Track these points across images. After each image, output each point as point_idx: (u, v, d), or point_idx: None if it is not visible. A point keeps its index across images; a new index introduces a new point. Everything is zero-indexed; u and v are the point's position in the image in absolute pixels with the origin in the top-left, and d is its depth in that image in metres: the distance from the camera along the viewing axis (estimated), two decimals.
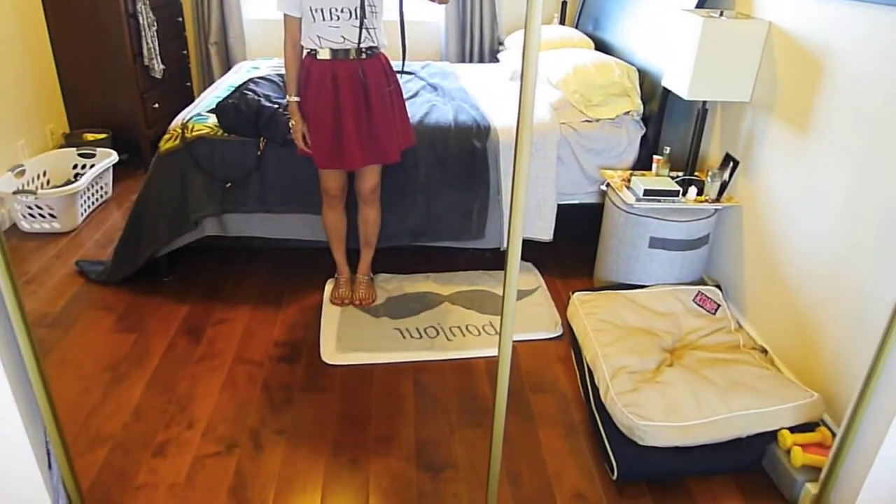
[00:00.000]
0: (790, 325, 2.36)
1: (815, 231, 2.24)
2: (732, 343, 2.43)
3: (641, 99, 3.08)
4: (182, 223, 2.79)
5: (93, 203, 3.64)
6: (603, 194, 3.01)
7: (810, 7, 2.26)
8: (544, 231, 3.04)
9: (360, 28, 2.31)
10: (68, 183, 3.61)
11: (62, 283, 2.94)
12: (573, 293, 2.71)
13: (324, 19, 2.31)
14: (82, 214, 3.50)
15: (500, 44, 4.69)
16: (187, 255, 3.10)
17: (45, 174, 3.63)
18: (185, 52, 4.73)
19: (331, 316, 2.74)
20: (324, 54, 2.36)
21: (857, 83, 2.04)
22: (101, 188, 3.72)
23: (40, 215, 3.34)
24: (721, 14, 2.54)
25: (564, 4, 4.57)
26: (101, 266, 2.99)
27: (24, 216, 3.34)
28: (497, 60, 4.53)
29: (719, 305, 2.62)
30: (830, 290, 2.15)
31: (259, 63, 3.98)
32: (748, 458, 2.03)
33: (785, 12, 2.41)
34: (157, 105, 4.20)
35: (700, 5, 2.79)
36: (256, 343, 2.59)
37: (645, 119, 3.10)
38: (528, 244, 3.06)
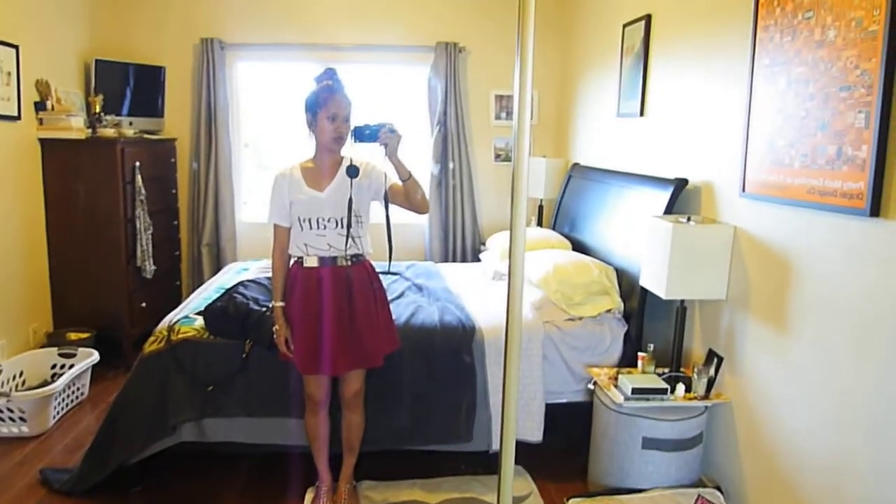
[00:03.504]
0: None
1: (809, 426, 2.21)
2: None
3: (621, 297, 3.17)
4: (159, 428, 2.69)
5: (67, 405, 3.52)
6: (591, 393, 2.98)
7: (770, 213, 2.42)
8: (533, 432, 2.95)
9: (347, 237, 2.43)
10: (44, 384, 3.52)
11: (22, 494, 2.74)
12: (568, 499, 2.57)
13: (311, 228, 2.43)
14: (54, 417, 3.37)
15: (482, 244, 4.91)
16: (160, 462, 2.93)
17: (21, 374, 3.55)
18: (177, 252, 4.89)
19: None
20: (311, 261, 2.45)
21: (826, 283, 2.13)
22: (78, 389, 3.63)
23: (10, 419, 3.20)
24: (689, 219, 2.71)
25: (541, 208, 4.87)
26: (66, 474, 2.81)
27: None
28: (479, 259, 4.71)
29: None
30: (833, 484, 2.07)
31: (249, 264, 4.09)
32: None
33: (747, 218, 2.58)
34: (144, 304, 4.24)
35: (668, 211, 2.98)
36: None
37: (626, 316, 3.16)
38: (517, 446, 2.95)
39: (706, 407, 2.71)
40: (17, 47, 3.63)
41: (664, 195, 3.04)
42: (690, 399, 2.67)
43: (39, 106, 3.88)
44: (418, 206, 2.46)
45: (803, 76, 2.20)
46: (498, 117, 5.15)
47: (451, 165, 4.92)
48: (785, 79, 2.30)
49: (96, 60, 4.34)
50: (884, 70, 1.84)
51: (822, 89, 2.10)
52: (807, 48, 2.18)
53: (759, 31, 2.45)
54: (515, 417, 1.31)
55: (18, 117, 3.70)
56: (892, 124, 1.85)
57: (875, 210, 1.90)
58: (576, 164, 4.56)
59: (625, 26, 3.79)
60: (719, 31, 2.82)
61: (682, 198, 3.02)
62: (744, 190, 2.56)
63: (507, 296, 1.29)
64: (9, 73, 3.58)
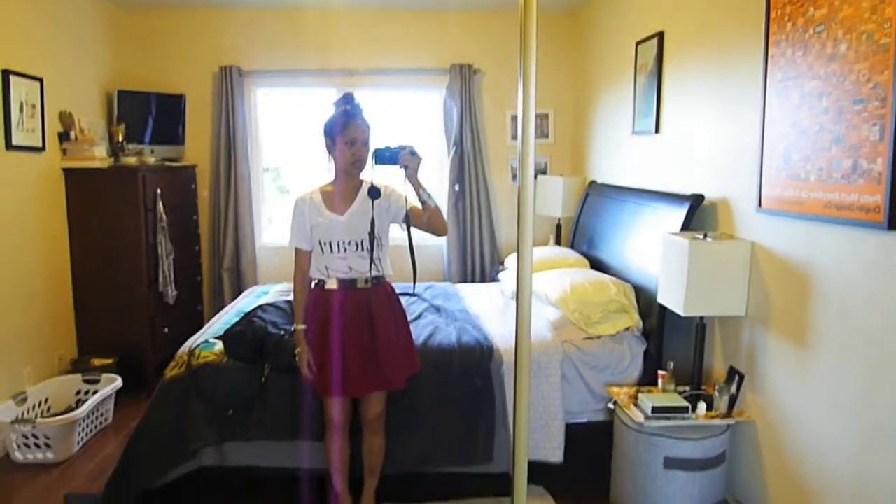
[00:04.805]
0: None
1: (832, 442, 2.16)
2: None
3: (640, 314, 3.15)
4: (180, 453, 2.70)
5: (91, 431, 3.56)
6: (611, 412, 2.95)
7: (788, 228, 2.40)
8: (554, 452, 2.92)
9: (371, 258, 2.44)
10: (69, 410, 3.57)
11: None
12: None
13: (332, 251, 2.45)
14: (79, 443, 3.41)
15: (501, 263, 4.91)
16: (181, 489, 2.93)
17: (46, 401, 3.61)
18: (198, 277, 4.95)
19: None
20: (331, 284, 2.47)
21: (846, 297, 2.10)
22: (102, 415, 3.67)
23: (35, 445, 3.25)
24: (706, 236, 2.69)
25: (559, 227, 4.86)
26: (90, 501, 2.84)
27: (18, 446, 3.25)
28: (497, 280, 4.70)
29: None
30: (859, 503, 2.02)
31: (268, 288, 4.13)
32: None
33: (765, 233, 2.55)
34: (166, 329, 4.28)
35: (685, 227, 2.96)
36: None
37: (646, 334, 3.13)
38: (538, 467, 2.92)
39: (728, 425, 2.66)
40: (41, 80, 3.73)
41: (681, 212, 3.02)
42: (712, 417, 2.63)
43: (63, 137, 3.97)
44: (437, 228, 2.48)
45: (816, 90, 2.19)
46: (514, 137, 5.17)
47: (467, 186, 4.95)
48: (798, 93, 2.29)
49: (118, 91, 4.44)
50: None
51: (836, 102, 2.09)
52: (819, 62, 2.17)
53: (770, 47, 2.45)
54: (528, 433, 1.30)
55: (43, 148, 3.79)
56: None
57: (893, 223, 1.87)
58: (593, 182, 4.56)
59: (638, 44, 3.81)
60: (731, 47, 2.82)
61: (698, 214, 3.00)
62: (760, 205, 2.54)
63: (515, 312, 1.29)
64: (33, 106, 3.68)
